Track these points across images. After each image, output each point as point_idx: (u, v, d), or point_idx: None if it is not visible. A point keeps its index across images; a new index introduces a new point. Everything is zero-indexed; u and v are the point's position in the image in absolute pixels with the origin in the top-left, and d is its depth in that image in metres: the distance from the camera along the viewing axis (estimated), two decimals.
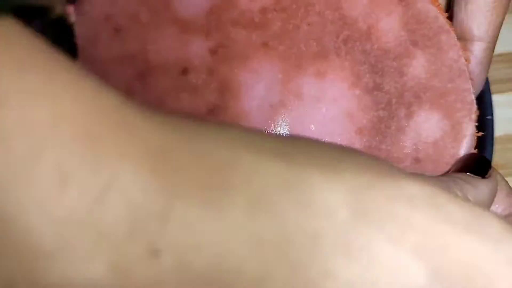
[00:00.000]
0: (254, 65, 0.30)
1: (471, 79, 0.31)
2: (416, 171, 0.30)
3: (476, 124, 0.31)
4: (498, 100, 0.35)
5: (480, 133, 0.30)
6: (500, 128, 0.35)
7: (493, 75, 0.35)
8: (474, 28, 0.31)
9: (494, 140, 0.34)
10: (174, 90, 0.30)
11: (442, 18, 0.30)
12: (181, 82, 0.30)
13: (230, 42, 0.29)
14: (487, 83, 0.33)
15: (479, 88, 0.32)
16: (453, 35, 0.31)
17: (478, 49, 0.32)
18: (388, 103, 0.30)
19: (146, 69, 0.29)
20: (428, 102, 0.30)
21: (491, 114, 0.33)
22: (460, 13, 0.31)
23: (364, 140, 0.30)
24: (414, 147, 0.30)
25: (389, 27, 0.30)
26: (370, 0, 0.30)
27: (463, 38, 0.32)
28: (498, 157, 0.35)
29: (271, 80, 0.30)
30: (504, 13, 0.31)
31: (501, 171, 0.34)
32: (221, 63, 0.30)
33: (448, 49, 0.30)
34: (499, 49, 0.35)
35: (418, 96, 0.30)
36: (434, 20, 0.30)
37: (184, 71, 0.30)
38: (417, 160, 0.30)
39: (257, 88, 0.30)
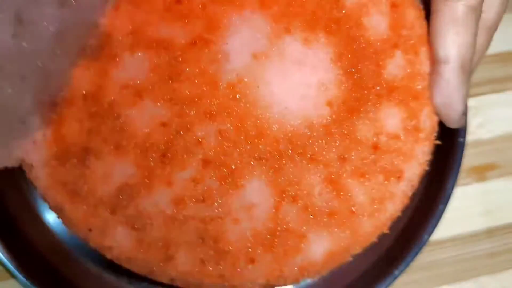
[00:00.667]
0: (247, 13, 0.30)
1: (446, 102, 0.30)
2: (373, 156, 0.30)
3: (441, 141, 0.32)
4: (495, 99, 0.35)
5: (438, 142, 0.31)
6: (498, 128, 0.35)
7: (490, 74, 0.35)
8: (440, 47, 0.30)
9: (492, 140, 0.34)
10: (164, 14, 0.30)
11: (424, 31, 0.32)
12: (173, 9, 0.30)
13: None
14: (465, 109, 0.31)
15: (456, 112, 0.30)
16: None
17: (445, 71, 0.30)
18: (362, 87, 0.31)
19: None
20: (398, 99, 0.31)
21: (464, 137, 0.33)
22: (430, 27, 0.31)
23: (332, 112, 0.30)
24: (376, 134, 0.30)
25: (378, 24, 0.32)
26: None
27: (433, 58, 0.31)
28: (496, 157, 0.35)
29: (260, 32, 0.30)
30: (476, 31, 0.29)
31: (498, 171, 0.34)
32: (216, 3, 0.30)
33: (425, 61, 0.32)
34: (495, 49, 0.36)
35: (390, 91, 0.31)
36: (418, 30, 0.32)
37: (178, 1, 0.30)
38: (375, 147, 0.30)
39: (244, 33, 0.30)
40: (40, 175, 0.27)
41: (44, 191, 0.27)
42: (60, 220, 0.27)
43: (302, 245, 0.28)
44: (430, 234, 0.31)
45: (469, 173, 0.35)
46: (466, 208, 0.34)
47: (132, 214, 0.27)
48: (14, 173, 0.29)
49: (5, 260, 0.29)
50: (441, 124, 0.32)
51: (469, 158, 0.35)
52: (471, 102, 0.35)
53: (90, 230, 0.27)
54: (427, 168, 0.31)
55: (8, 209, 0.32)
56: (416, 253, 0.31)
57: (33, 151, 0.27)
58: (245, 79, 0.29)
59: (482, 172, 0.35)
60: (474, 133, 0.35)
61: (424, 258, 0.33)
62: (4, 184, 0.33)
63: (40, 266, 0.31)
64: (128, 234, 0.27)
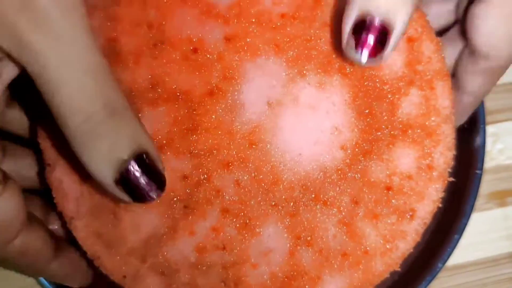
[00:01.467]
0: (262, 61, 0.31)
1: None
2: (386, 198, 0.31)
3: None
4: (509, 127, 0.36)
5: (451, 179, 0.32)
6: (510, 155, 0.36)
7: (510, 102, 0.36)
8: (468, 85, 0.34)
9: (505, 167, 0.35)
10: (181, 64, 0.31)
11: (442, 64, 0.32)
12: (189, 59, 0.31)
13: (246, 35, 0.31)
14: (483, 141, 0.33)
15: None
16: (449, 82, 0.33)
17: (466, 101, 0.35)
18: (376, 128, 0.32)
19: (160, 39, 0.31)
20: (412, 139, 0.32)
21: (481, 169, 0.33)
22: (461, 68, 0.34)
23: (346, 156, 0.31)
24: (389, 176, 0.31)
25: (393, 61, 0.32)
26: None
27: (457, 86, 0.34)
28: (508, 184, 0.36)
29: (274, 78, 0.31)
30: (497, 81, 0.33)
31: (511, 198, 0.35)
32: (232, 51, 0.31)
33: (441, 95, 0.32)
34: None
35: (404, 130, 0.32)
36: (435, 64, 0.32)
37: (195, 50, 0.31)
38: (388, 188, 0.31)
39: (259, 81, 0.31)
40: (79, 226, 0.30)
41: (83, 241, 0.30)
42: (98, 266, 0.30)
43: (318, 286, 0.30)
44: (444, 263, 0.32)
45: (491, 198, 0.35)
46: (488, 233, 0.35)
47: (160, 262, 0.30)
48: None
49: None
50: (458, 157, 0.33)
51: (490, 184, 0.35)
52: (491, 128, 0.35)
53: (124, 277, 0.30)
54: (440, 205, 0.32)
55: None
56: (430, 281, 0.32)
57: (72, 205, 0.30)
58: (260, 128, 0.31)
59: (503, 198, 0.35)
60: (495, 159, 0.35)
61: (447, 282, 0.35)
62: None
63: None
64: (158, 280, 0.30)
